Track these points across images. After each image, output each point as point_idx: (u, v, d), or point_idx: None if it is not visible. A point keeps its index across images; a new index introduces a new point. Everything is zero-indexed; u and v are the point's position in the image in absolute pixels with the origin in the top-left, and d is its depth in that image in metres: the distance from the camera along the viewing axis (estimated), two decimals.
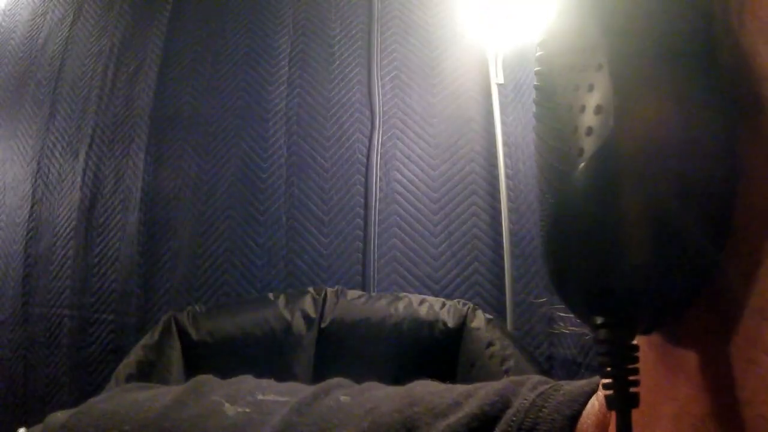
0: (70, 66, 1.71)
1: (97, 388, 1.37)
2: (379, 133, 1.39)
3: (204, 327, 1.02)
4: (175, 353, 0.98)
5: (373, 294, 1.18)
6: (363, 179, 1.38)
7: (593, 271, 0.20)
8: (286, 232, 1.38)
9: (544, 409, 0.29)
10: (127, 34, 1.66)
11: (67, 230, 1.55)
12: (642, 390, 0.21)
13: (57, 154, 1.64)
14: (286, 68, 1.50)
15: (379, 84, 1.43)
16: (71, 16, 1.76)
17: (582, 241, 0.20)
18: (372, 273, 1.30)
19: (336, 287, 1.13)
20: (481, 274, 1.30)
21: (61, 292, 1.51)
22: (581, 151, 0.20)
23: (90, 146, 1.59)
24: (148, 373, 0.92)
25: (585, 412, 0.29)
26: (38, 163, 1.65)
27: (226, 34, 1.56)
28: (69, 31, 1.75)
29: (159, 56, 1.59)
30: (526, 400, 0.30)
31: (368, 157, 1.38)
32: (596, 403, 0.29)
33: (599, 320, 0.21)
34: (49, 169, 1.63)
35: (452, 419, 0.28)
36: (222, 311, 1.09)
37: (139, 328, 1.41)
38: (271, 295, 1.09)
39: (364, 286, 1.29)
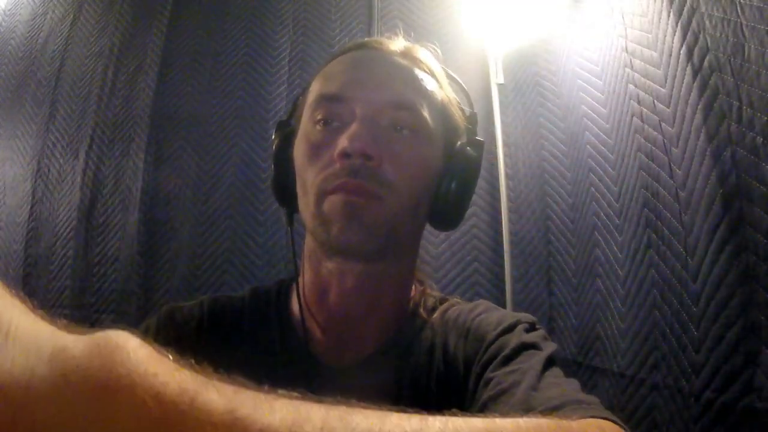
0: (70, 66, 1.71)
1: None
2: None
3: None
4: None
5: None
6: None
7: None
8: (286, 232, 1.38)
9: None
10: (127, 34, 1.66)
11: (67, 230, 1.55)
12: None
13: (57, 154, 1.64)
14: (286, 68, 1.50)
15: None
16: (71, 16, 1.76)
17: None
18: None
19: None
20: (481, 274, 1.30)
21: (61, 292, 1.51)
22: None
23: (90, 146, 1.59)
24: None
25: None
26: (38, 163, 1.65)
27: (226, 34, 1.56)
28: (69, 31, 1.75)
29: (159, 56, 1.59)
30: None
31: None
32: None
33: None
34: (49, 169, 1.63)
35: None
36: None
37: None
38: None
39: None
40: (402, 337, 0.55)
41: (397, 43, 0.59)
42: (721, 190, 0.74)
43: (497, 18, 1.36)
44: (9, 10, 1.93)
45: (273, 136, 0.61)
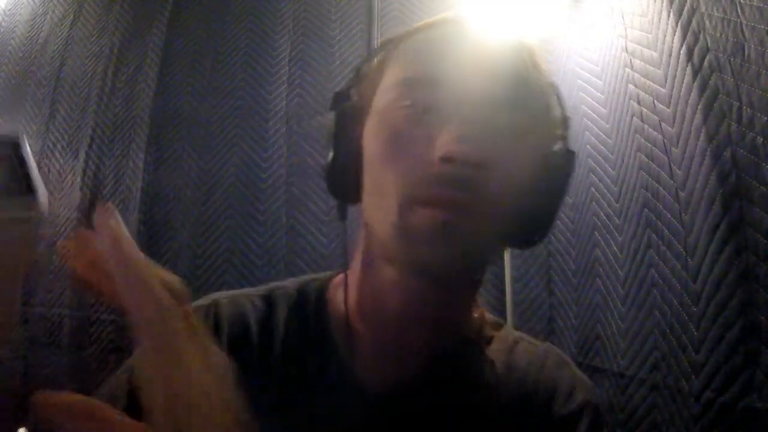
0: (70, 66, 1.71)
1: (97, 388, 1.36)
2: None
3: None
4: None
5: None
6: None
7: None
8: (286, 232, 1.38)
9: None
10: (127, 34, 1.66)
11: (67, 230, 1.55)
12: None
13: (57, 154, 1.64)
14: (286, 68, 1.50)
15: None
16: (71, 16, 1.76)
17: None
18: None
19: None
20: None
21: (61, 292, 1.51)
22: None
23: (90, 146, 1.59)
24: None
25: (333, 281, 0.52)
26: (38, 163, 1.65)
27: (226, 34, 1.56)
28: (69, 31, 1.75)
29: (159, 56, 1.59)
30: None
31: None
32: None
33: None
34: (49, 169, 1.63)
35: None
36: None
37: None
38: None
39: None
40: (459, 364, 0.49)
41: (502, 28, 0.49)
42: (721, 190, 0.74)
43: (497, 18, 1.36)
44: (9, 10, 1.93)
45: (331, 110, 0.48)
